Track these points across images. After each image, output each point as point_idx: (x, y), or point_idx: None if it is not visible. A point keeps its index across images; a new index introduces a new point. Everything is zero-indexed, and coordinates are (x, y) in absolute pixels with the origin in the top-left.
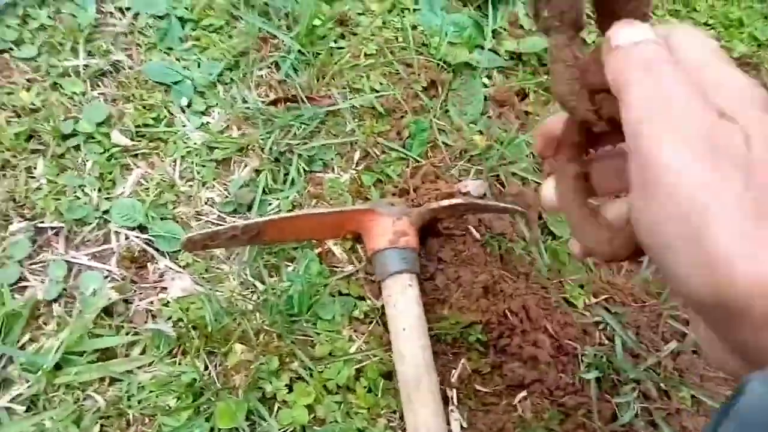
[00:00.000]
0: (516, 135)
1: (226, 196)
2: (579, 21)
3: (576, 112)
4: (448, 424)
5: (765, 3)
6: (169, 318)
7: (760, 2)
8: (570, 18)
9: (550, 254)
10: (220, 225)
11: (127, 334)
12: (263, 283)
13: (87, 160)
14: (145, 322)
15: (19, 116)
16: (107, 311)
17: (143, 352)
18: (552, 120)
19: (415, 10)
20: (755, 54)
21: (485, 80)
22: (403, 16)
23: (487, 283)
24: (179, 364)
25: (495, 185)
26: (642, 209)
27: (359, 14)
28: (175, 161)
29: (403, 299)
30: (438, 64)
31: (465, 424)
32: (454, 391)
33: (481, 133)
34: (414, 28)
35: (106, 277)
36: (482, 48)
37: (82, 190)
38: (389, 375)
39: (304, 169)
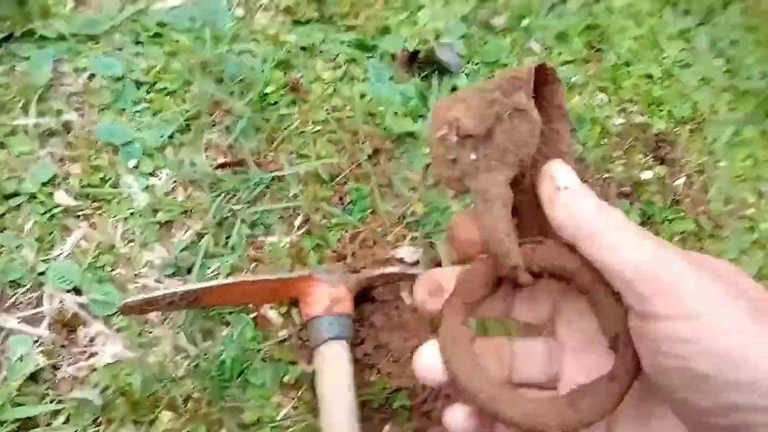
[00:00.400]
0: (450, 204)
1: (167, 259)
2: (528, 160)
3: (509, 257)
4: None
5: (683, 83)
6: (97, 384)
7: (679, 82)
8: (524, 155)
9: (480, 323)
10: (160, 288)
11: (51, 401)
12: (196, 347)
13: (28, 220)
14: (71, 390)
15: None
16: (34, 377)
17: (67, 421)
18: (439, 271)
19: (364, 79)
20: (673, 131)
21: (426, 149)
22: (353, 85)
23: (416, 349)
24: None
25: (430, 251)
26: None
27: (311, 82)
28: (117, 222)
29: (334, 366)
30: (382, 133)
31: None
32: None
33: (419, 200)
34: (362, 96)
35: (36, 341)
36: (425, 117)
37: (19, 251)
38: None
39: (246, 233)
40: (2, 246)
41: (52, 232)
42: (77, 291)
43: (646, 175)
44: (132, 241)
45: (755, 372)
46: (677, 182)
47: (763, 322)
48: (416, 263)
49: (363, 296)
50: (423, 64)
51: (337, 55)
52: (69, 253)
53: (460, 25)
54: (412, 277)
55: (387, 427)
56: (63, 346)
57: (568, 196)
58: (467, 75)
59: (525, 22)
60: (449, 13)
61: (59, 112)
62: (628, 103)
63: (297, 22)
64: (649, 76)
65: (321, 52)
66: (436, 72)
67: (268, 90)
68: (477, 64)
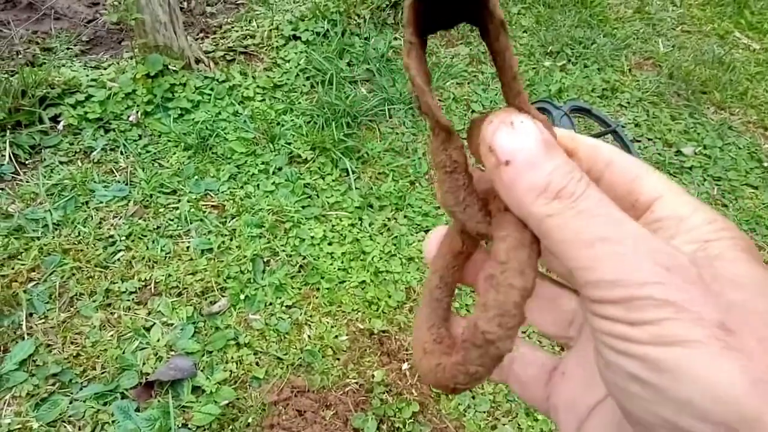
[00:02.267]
0: None
1: None
2: (446, 123)
3: (467, 225)
4: None
5: None
6: None
7: None
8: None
9: None
10: None
11: None
12: None
13: None
14: None
15: None
16: None
17: None
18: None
19: (114, 421)
20: None
21: None
22: None
23: None
24: None
25: None
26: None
27: None
28: None
29: None
30: None
31: None
32: None
33: None
34: None
35: None
36: (170, 429)
37: None
38: None
39: None
40: None
41: None
42: None
43: None
44: None
45: None
46: None
47: None
48: None
49: None
50: (160, 385)
51: (84, 413)
52: None
53: (189, 327)
54: None
55: None
56: None
57: (511, 174)
58: (207, 377)
59: (242, 296)
60: (176, 320)
61: None
62: None
63: (38, 405)
64: None
65: (69, 417)
66: (171, 385)
67: None
68: (211, 353)
